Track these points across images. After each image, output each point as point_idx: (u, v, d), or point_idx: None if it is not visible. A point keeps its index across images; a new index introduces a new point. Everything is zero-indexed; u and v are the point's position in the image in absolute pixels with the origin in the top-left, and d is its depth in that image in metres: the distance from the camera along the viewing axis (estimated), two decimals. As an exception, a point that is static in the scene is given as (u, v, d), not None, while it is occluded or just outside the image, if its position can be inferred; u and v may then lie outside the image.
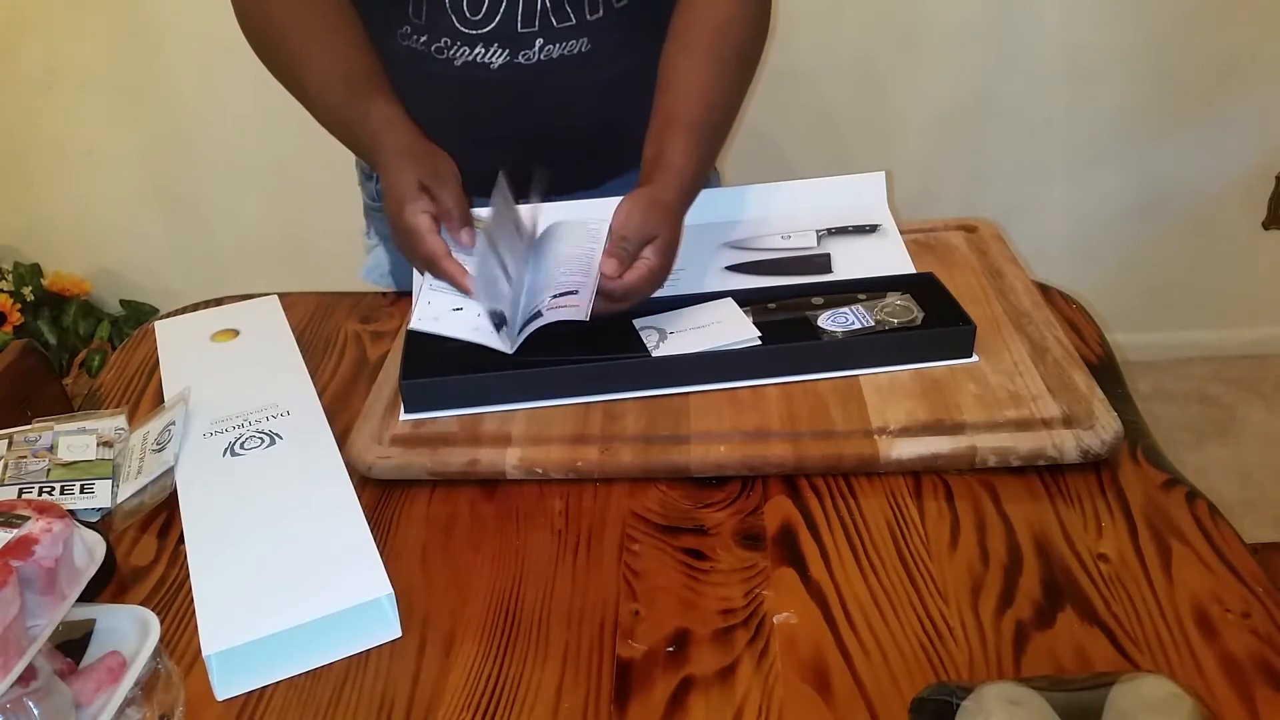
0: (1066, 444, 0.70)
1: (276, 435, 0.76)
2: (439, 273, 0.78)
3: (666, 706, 0.56)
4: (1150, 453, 0.72)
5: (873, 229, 0.90)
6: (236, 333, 0.91)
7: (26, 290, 1.89)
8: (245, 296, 0.98)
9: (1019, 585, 0.62)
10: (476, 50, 0.86)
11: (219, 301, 0.98)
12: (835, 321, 0.79)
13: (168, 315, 0.97)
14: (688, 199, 0.82)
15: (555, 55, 0.87)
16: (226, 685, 0.59)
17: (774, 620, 0.61)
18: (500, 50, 0.86)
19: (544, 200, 0.84)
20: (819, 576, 0.64)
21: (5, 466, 0.74)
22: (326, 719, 0.57)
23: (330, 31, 0.85)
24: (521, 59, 0.86)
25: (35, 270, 1.95)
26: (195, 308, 0.97)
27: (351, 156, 1.06)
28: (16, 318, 1.85)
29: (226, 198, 1.96)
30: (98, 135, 1.90)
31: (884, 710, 0.55)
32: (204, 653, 0.58)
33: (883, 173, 0.93)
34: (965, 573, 0.63)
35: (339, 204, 1.91)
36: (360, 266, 1.11)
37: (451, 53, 0.87)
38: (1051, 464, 0.70)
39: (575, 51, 0.87)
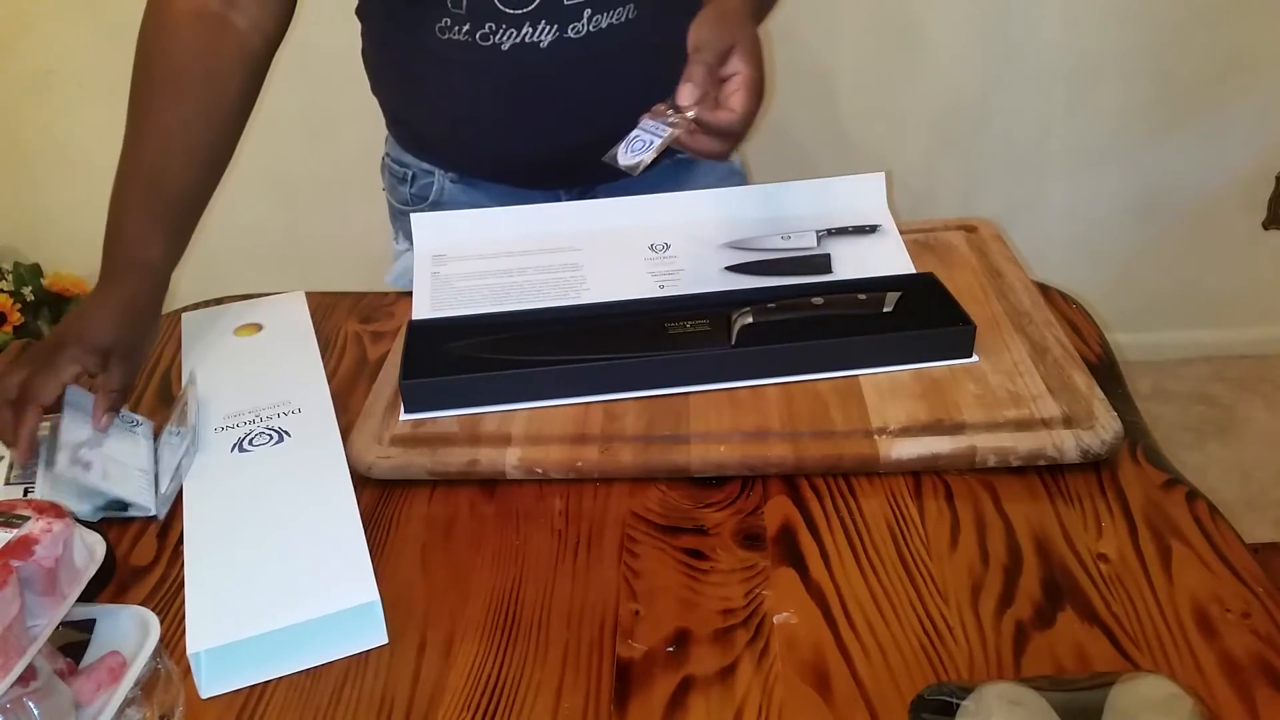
0: (1066, 444, 0.70)
1: (285, 432, 0.76)
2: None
3: (666, 706, 0.56)
4: (1150, 453, 0.72)
5: (873, 229, 0.90)
6: (260, 327, 0.91)
7: (26, 290, 1.89)
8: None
9: (1019, 585, 0.62)
10: (524, 31, 0.85)
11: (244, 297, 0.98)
12: (633, 149, 0.71)
13: (191, 307, 0.97)
14: (755, 6, 0.79)
15: (604, 25, 0.86)
16: (212, 683, 0.59)
17: (774, 620, 0.61)
18: (548, 27, 0.85)
19: (589, 195, 0.81)
20: (819, 576, 0.64)
21: (10, 467, 0.74)
22: (326, 719, 0.58)
23: (185, 121, 0.82)
24: (571, 33, 0.86)
25: (35, 270, 1.95)
26: (220, 301, 0.97)
27: (362, 158, 1.05)
28: (16, 318, 1.85)
29: (226, 198, 1.94)
30: (97, 135, 1.89)
31: (884, 710, 0.55)
32: (189, 650, 0.58)
33: (883, 173, 0.93)
34: (965, 573, 0.63)
35: (339, 204, 1.91)
36: (385, 270, 1.10)
37: (498, 38, 0.85)
38: (1051, 464, 0.70)
39: (623, 19, 0.87)
